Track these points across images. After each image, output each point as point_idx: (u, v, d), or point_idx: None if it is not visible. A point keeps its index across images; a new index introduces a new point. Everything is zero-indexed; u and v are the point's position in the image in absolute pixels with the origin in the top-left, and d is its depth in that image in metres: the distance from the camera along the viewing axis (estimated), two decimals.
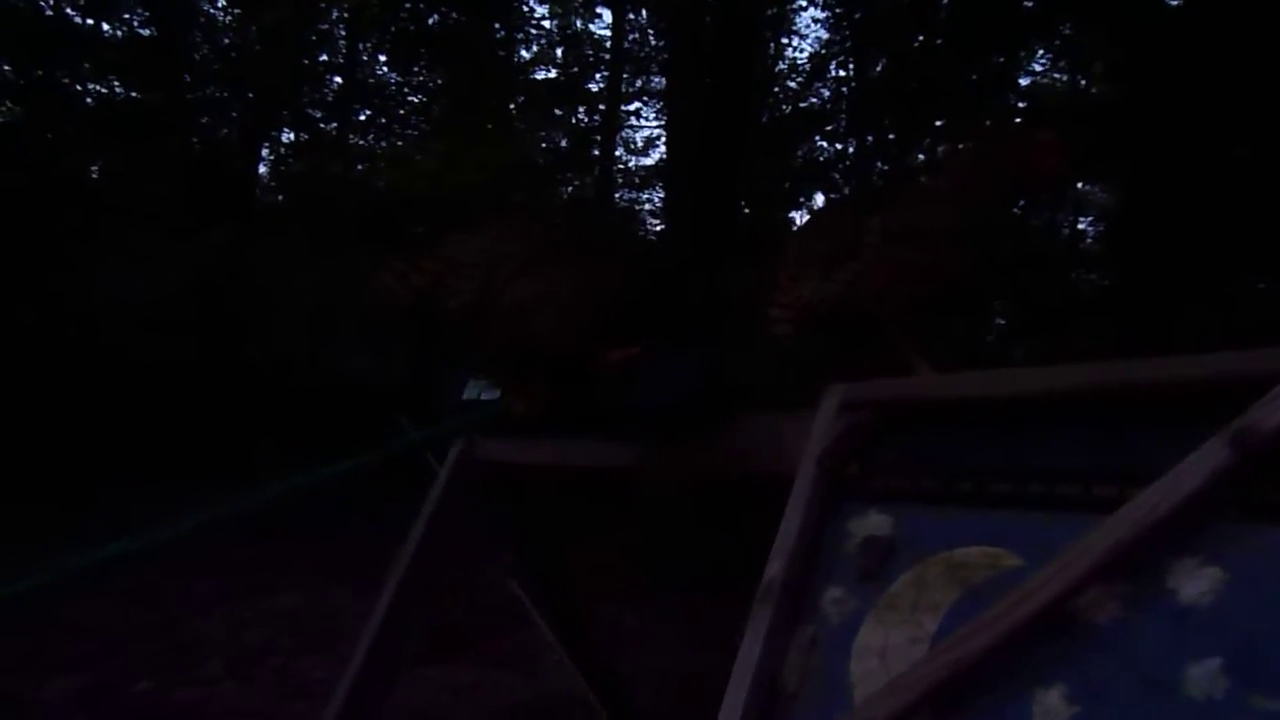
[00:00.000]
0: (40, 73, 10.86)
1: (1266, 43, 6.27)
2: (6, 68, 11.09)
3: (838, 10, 12.92)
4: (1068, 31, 10.21)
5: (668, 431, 1.87)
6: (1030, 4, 9.69)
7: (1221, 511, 1.25)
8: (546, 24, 13.92)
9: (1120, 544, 1.26)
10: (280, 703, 5.02)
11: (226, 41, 12.22)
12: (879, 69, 13.16)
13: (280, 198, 13.10)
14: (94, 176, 11.60)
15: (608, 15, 14.10)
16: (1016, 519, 1.45)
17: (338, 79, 13.17)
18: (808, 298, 1.73)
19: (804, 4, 13.41)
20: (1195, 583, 1.25)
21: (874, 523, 1.59)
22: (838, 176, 14.69)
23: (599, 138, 14.36)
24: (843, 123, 14.48)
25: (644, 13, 13.74)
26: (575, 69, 14.04)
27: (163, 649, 5.48)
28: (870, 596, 1.54)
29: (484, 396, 2.08)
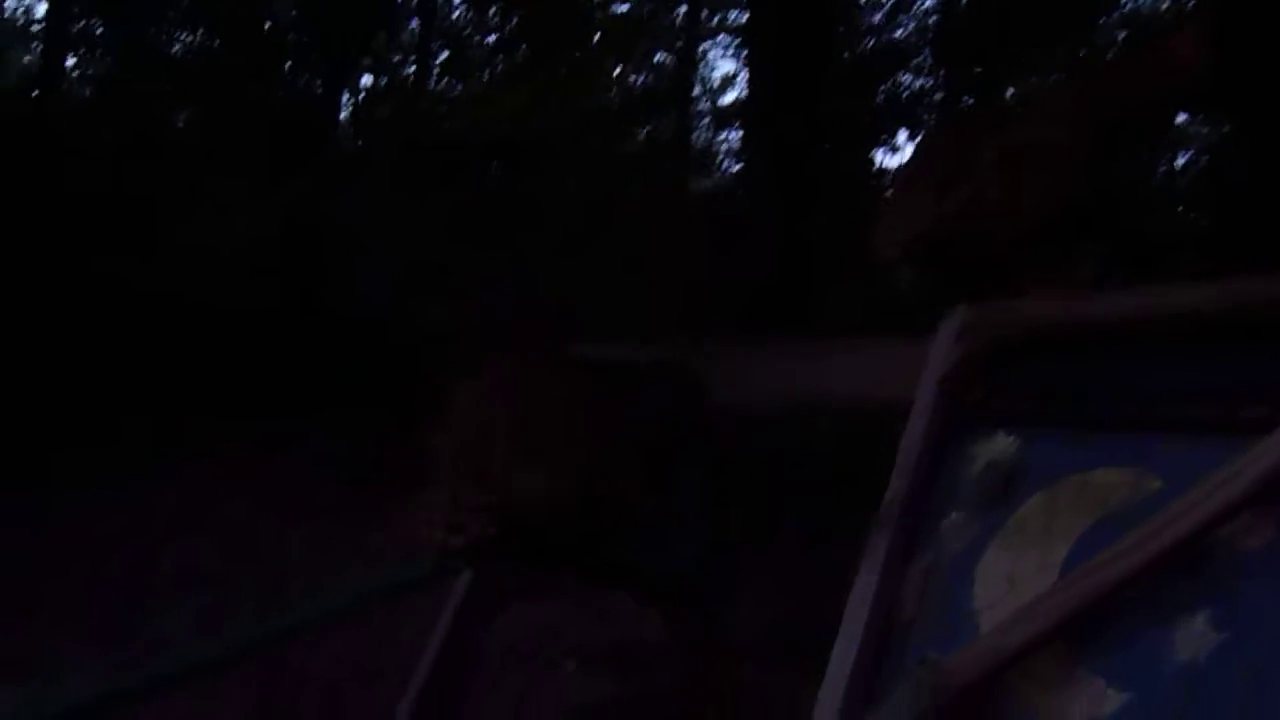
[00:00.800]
0: (127, 26, 11.03)
1: None
2: (95, 21, 11.30)
3: None
4: None
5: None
6: None
7: None
8: None
9: (1274, 468, 1.18)
10: (366, 652, 5.14)
11: None
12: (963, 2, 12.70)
13: (361, 143, 13.19)
14: (180, 127, 11.79)
15: None
16: (1157, 441, 1.38)
17: (414, 21, 13.15)
18: (920, 222, 1.66)
19: None
20: None
21: (998, 446, 1.53)
22: (923, 114, 14.27)
23: (676, 77, 14.14)
24: (927, 57, 14.04)
25: None
26: (651, 5, 13.80)
27: (262, 584, 5.65)
28: (994, 522, 1.48)
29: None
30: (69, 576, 5.42)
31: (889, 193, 1.78)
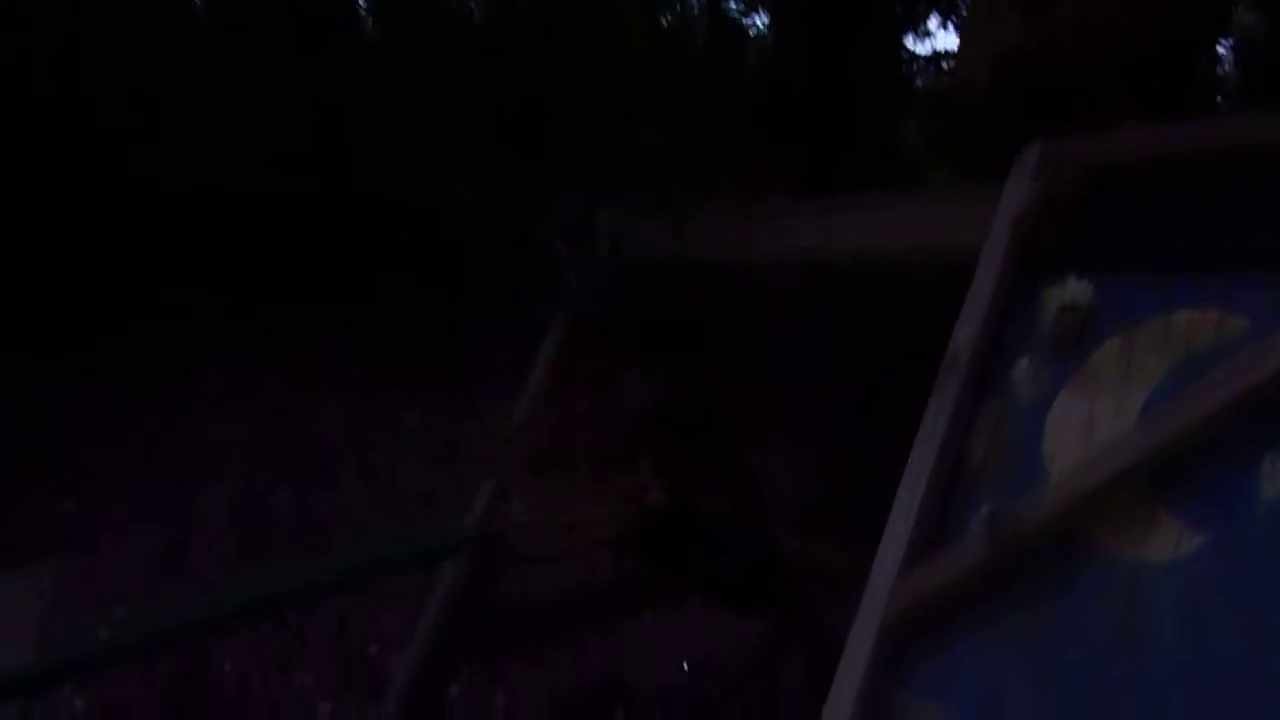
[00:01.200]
0: None
1: None
2: None
3: None
4: None
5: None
6: None
7: None
8: None
9: None
10: (406, 511, 5.23)
11: None
12: None
13: (385, 24, 12.85)
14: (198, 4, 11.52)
15: None
16: (1243, 280, 1.31)
17: None
18: (1005, 41, 1.56)
19: None
20: None
21: (1073, 290, 1.47)
22: None
23: None
24: None
25: None
26: None
27: (299, 462, 5.73)
28: (1067, 368, 1.43)
29: None
30: (115, 455, 5.52)
31: (969, 12, 1.66)
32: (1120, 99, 1.50)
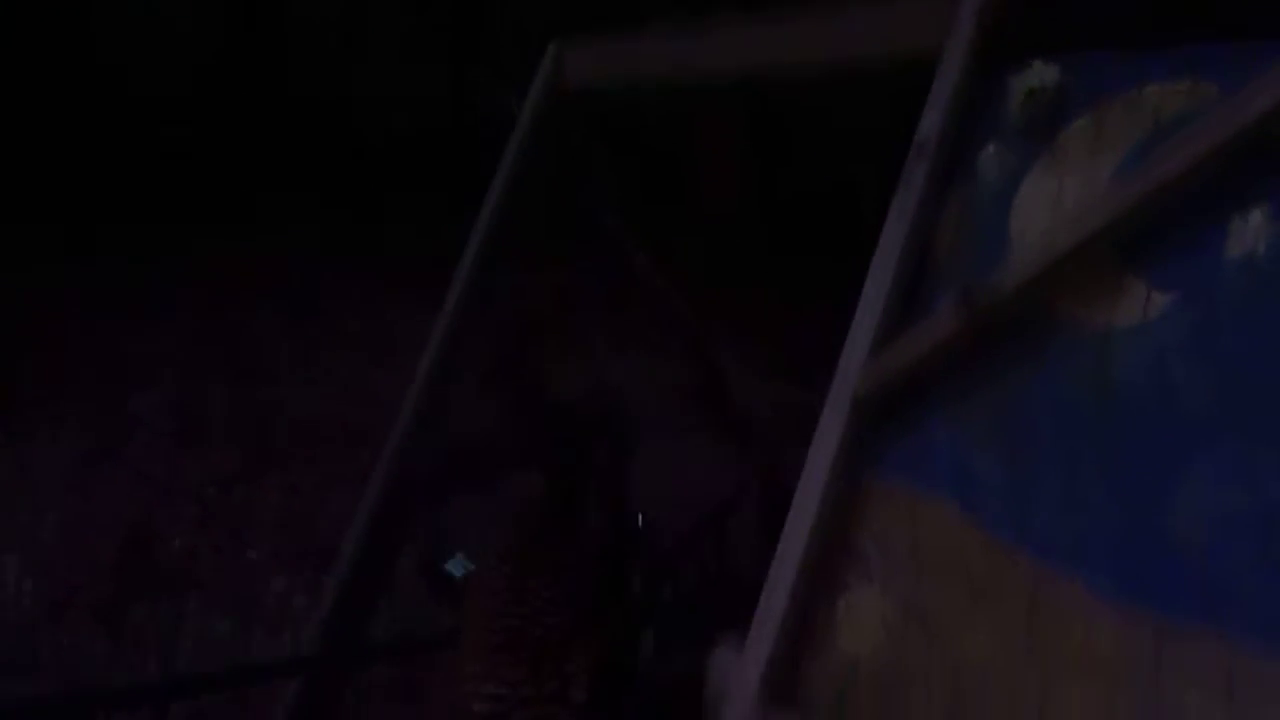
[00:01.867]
0: None
1: None
2: None
3: None
4: None
5: None
6: None
7: None
8: None
9: None
10: (350, 409, 5.18)
11: None
12: None
13: None
14: None
15: None
16: (1214, 48, 1.30)
17: None
18: None
19: None
20: None
21: (1038, 73, 1.44)
22: None
23: None
24: None
25: None
26: None
27: (236, 363, 5.64)
28: (1035, 149, 1.41)
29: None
30: (45, 358, 5.39)
31: None
32: None
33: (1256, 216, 1.19)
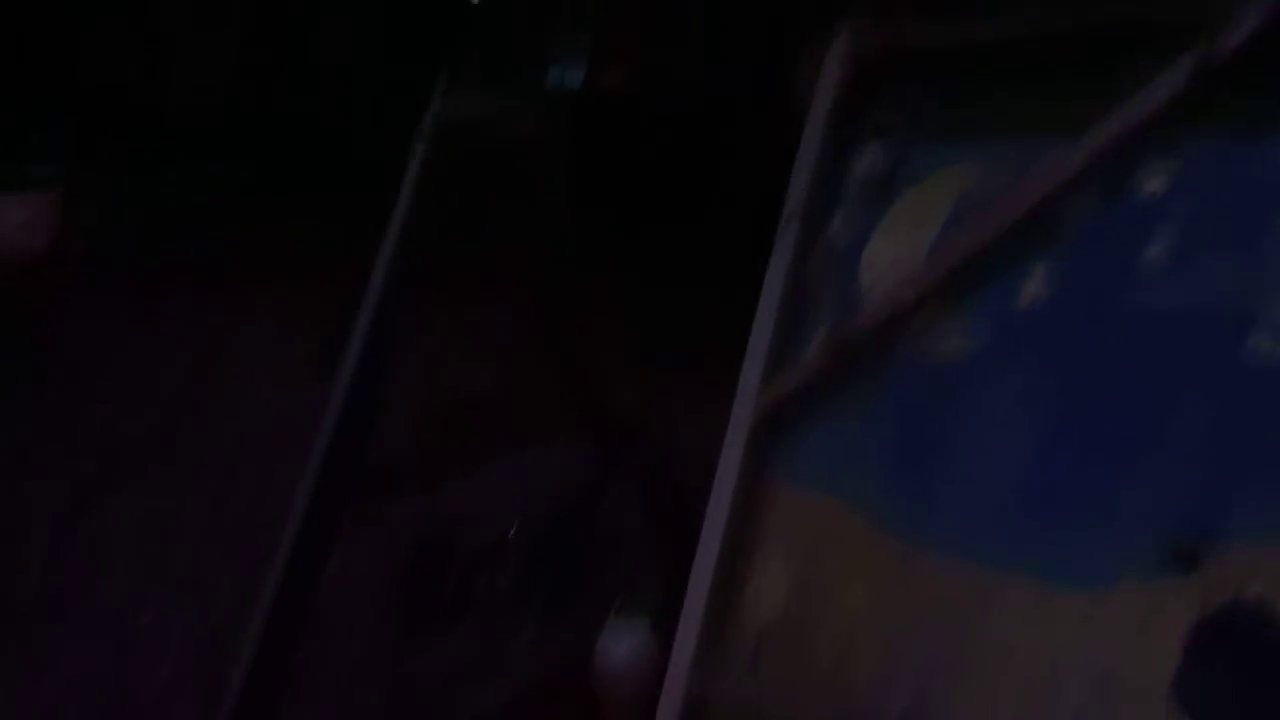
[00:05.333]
0: None
1: None
2: None
3: None
4: None
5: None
6: None
7: (1177, 123, 1.57)
8: None
9: (1099, 154, 1.57)
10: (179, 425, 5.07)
11: None
12: None
13: None
14: None
15: None
16: (1004, 141, 1.75)
17: None
18: None
19: None
20: (1155, 179, 1.59)
21: (874, 154, 1.86)
22: None
23: None
24: None
25: None
26: None
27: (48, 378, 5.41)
28: (874, 217, 1.84)
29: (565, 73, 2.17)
30: None
31: None
32: None
33: (1036, 274, 1.65)
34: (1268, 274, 1.50)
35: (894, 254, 1.78)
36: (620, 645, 2.64)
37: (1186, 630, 1.31)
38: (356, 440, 2.59)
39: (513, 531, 3.46)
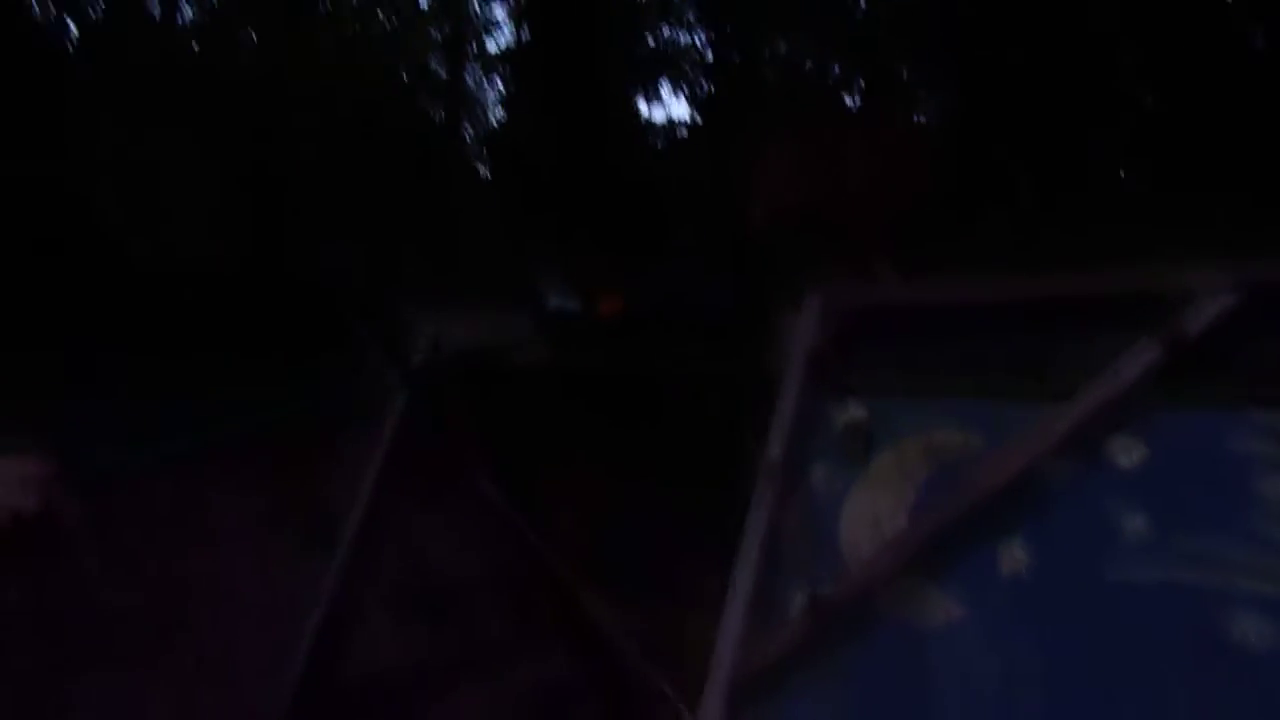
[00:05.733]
0: None
1: None
2: None
3: None
4: None
5: (712, 334, 2.05)
6: None
7: (1151, 398, 1.58)
8: None
9: (1076, 425, 1.58)
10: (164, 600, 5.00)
11: None
12: None
13: (91, 64, 12.16)
14: None
15: None
16: (978, 406, 1.76)
17: None
18: (787, 200, 1.95)
19: None
20: (1129, 453, 1.59)
21: (853, 410, 1.87)
22: (687, 67, 14.75)
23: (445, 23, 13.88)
24: (691, 13, 14.47)
25: None
26: None
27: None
28: (854, 473, 1.82)
29: (566, 305, 2.19)
30: None
31: (760, 165, 2.05)
32: (876, 253, 1.92)
33: (1018, 543, 1.62)
34: (1244, 551, 1.49)
35: (873, 513, 1.76)
36: None
37: None
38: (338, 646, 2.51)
39: None
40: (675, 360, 2.15)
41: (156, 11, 12.40)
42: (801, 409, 1.88)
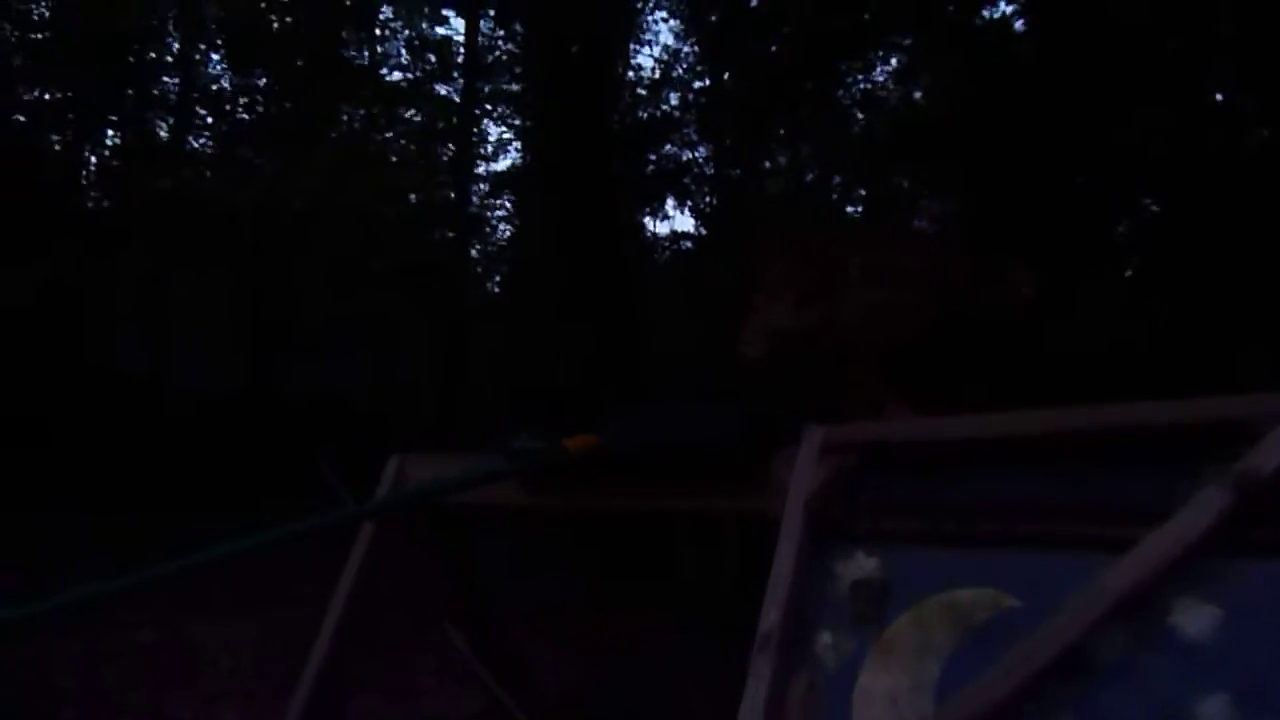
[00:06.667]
0: None
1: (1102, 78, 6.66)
2: None
3: (688, 15, 13.11)
4: (905, 43, 10.66)
5: (712, 468, 1.79)
6: (869, 16, 10.05)
7: (1221, 549, 1.31)
8: (393, 27, 13.54)
9: (1138, 585, 1.30)
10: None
11: (41, 37, 11.36)
12: (727, 77, 13.39)
13: (106, 204, 12.32)
14: None
15: (455, 21, 13.85)
16: (1010, 558, 1.48)
17: (170, 81, 12.46)
18: (784, 323, 1.73)
19: (656, 12, 13.52)
20: (1198, 619, 1.30)
21: (862, 564, 1.59)
22: (689, 182, 14.92)
23: (451, 145, 14.07)
24: (693, 130, 14.69)
25: (493, 16, 13.55)
26: (423, 71, 13.70)
27: (7, 696, 5.06)
28: (867, 639, 1.54)
29: (527, 445, 1.96)
30: None
31: (755, 294, 1.82)
32: (884, 386, 1.67)
33: None
34: None
35: (891, 691, 1.47)
36: None
37: None
38: None
39: None
40: (654, 500, 1.89)
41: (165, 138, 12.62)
42: (801, 564, 1.60)
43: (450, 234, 13.54)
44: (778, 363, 1.79)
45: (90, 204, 12.19)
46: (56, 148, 11.91)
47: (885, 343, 1.71)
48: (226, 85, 12.34)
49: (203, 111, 12.34)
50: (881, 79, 12.42)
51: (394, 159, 12.31)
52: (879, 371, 1.71)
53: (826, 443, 1.65)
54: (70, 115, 11.39)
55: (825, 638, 1.57)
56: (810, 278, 1.76)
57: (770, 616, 1.56)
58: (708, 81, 13.70)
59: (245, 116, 11.99)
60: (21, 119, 11.55)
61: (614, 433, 1.88)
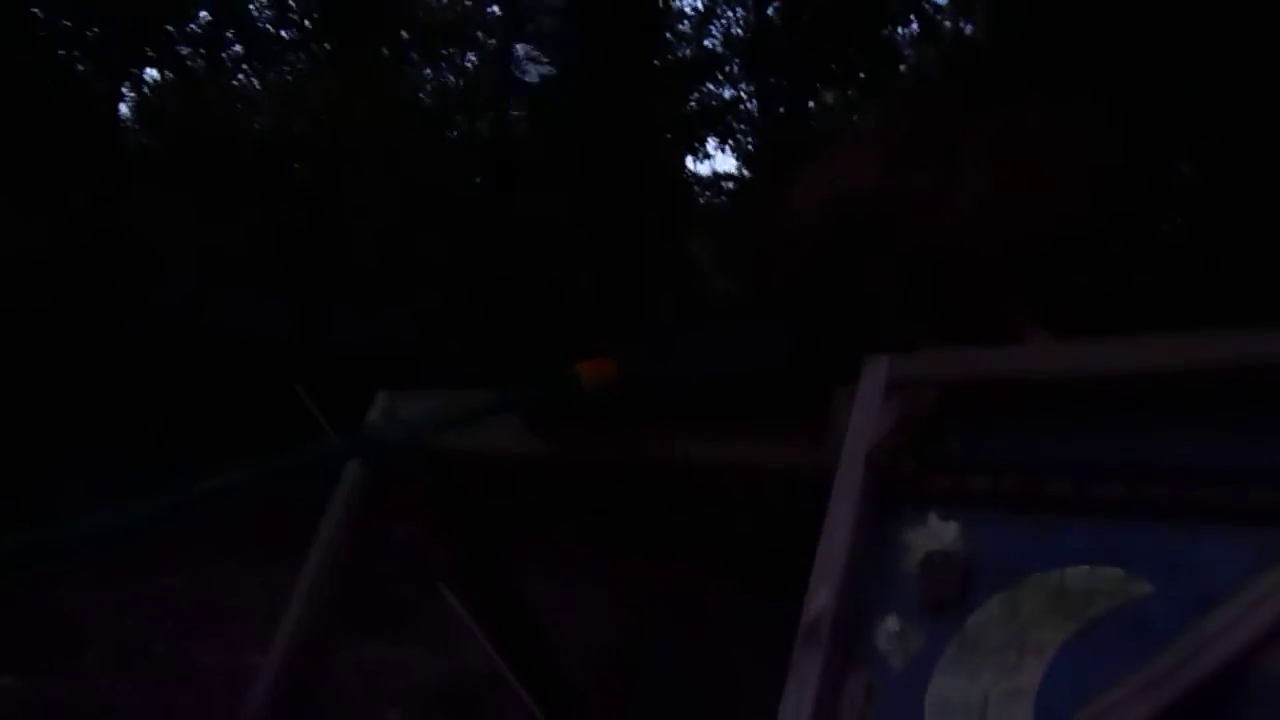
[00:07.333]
0: None
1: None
2: None
3: None
4: None
5: (756, 406, 1.42)
6: None
7: None
8: None
9: None
10: (163, 694, 4.59)
11: None
12: (771, 11, 12.87)
13: (145, 141, 12.15)
14: None
15: None
16: (1140, 531, 1.11)
17: (204, 13, 12.18)
18: (864, 181, 1.32)
19: None
20: None
21: (938, 533, 1.23)
22: (733, 121, 14.47)
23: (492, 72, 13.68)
24: (736, 66, 14.19)
25: None
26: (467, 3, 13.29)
27: (33, 639, 4.94)
28: (943, 631, 1.19)
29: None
30: None
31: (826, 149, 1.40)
32: (1018, 300, 1.27)
33: None
34: None
35: (977, 697, 1.12)
36: None
37: None
38: None
39: None
40: (679, 450, 1.54)
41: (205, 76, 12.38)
42: (860, 532, 1.25)
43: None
44: (834, 252, 1.39)
45: (128, 141, 12.03)
46: (95, 81, 11.74)
47: (1028, 241, 1.29)
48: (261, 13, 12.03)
49: (238, 43, 12.05)
50: (933, 13, 11.83)
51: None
52: (1013, 281, 1.30)
53: (895, 377, 1.29)
54: (109, 48, 11.18)
55: (890, 627, 1.22)
56: (914, 138, 1.34)
57: (819, 598, 1.22)
58: (753, 17, 13.17)
59: (279, 47, 11.67)
60: (61, 52, 11.37)
61: (635, 357, 1.52)
